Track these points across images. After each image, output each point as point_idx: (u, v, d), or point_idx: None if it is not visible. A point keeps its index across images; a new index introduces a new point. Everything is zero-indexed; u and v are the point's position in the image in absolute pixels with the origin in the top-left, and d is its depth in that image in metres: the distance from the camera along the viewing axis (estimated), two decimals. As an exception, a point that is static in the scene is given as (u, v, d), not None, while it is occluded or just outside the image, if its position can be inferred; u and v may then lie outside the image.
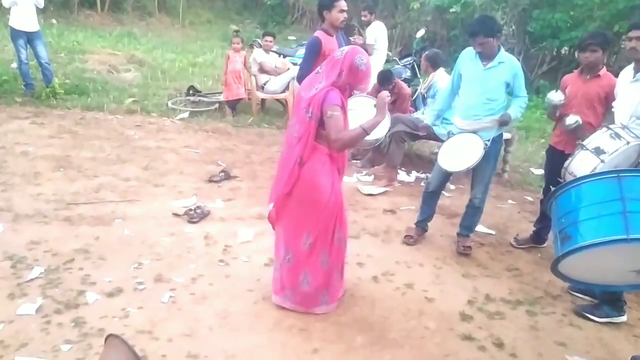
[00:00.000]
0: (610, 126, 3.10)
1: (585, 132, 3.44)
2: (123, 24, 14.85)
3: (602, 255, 2.51)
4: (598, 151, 2.99)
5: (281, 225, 3.05)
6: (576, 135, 3.47)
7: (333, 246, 3.00)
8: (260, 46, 8.24)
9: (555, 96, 3.71)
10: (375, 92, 5.86)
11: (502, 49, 3.70)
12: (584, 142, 3.10)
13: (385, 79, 5.78)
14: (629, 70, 3.27)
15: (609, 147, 2.98)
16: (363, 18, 7.37)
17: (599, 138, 3.07)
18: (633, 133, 3.00)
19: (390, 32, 8.56)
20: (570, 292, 3.63)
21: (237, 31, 9.13)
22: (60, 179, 4.73)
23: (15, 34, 6.95)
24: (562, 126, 3.59)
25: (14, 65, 7.84)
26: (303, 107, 2.79)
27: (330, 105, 2.73)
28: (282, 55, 8.68)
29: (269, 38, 7.64)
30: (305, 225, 2.94)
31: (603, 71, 3.69)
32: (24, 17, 6.92)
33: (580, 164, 3.03)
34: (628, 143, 2.94)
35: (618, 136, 2.99)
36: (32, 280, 3.18)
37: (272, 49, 7.84)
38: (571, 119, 3.52)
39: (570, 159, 3.14)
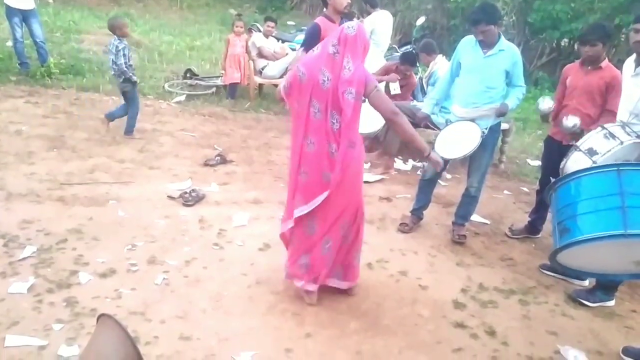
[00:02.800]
0: (606, 125, 3.07)
1: (585, 126, 3.44)
2: (120, 5, 14.70)
3: (601, 248, 2.50)
4: (591, 152, 2.99)
5: (317, 218, 2.90)
6: (575, 137, 3.41)
7: (356, 219, 2.99)
8: (260, 30, 8.17)
9: (543, 104, 3.76)
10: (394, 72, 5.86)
11: (503, 37, 3.67)
12: (578, 143, 3.09)
13: (412, 59, 5.73)
14: (630, 63, 3.16)
15: (602, 147, 2.97)
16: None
17: (592, 138, 3.05)
18: (633, 131, 2.98)
19: (389, 20, 8.47)
20: (542, 270, 3.73)
21: (239, 15, 8.99)
22: (54, 159, 4.69)
23: (11, 12, 6.85)
24: (560, 127, 3.56)
25: (9, 43, 7.75)
26: (342, 90, 2.66)
27: (373, 80, 2.74)
28: (281, 41, 8.60)
29: (271, 23, 7.56)
30: (343, 208, 2.87)
31: (605, 63, 3.66)
32: (20, -5, 6.82)
33: (574, 165, 3.02)
34: (622, 143, 2.92)
35: (612, 136, 2.97)
36: (24, 259, 3.17)
37: (272, 35, 7.77)
38: (570, 121, 3.44)
39: (565, 159, 3.15)
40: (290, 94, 2.85)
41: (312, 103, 2.74)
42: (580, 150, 3.05)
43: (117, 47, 5.20)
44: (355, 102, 2.70)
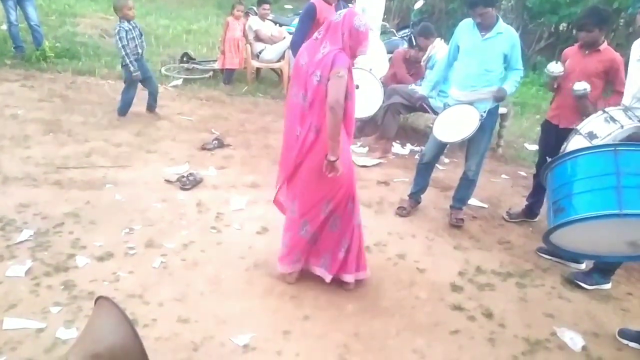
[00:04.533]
0: (607, 109, 3.09)
1: (587, 107, 3.45)
2: (116, -12, 14.49)
3: (595, 228, 2.50)
4: (591, 135, 3.01)
5: (296, 199, 2.93)
6: (581, 103, 3.48)
7: (346, 211, 2.93)
8: (256, 14, 8.08)
9: (554, 67, 3.69)
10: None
11: (501, 20, 3.64)
12: (579, 127, 3.11)
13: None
14: (636, 47, 3.11)
15: (602, 131, 2.99)
16: None
17: (593, 122, 3.08)
18: (635, 115, 2.97)
19: (388, 4, 8.42)
20: (539, 253, 3.74)
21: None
22: (50, 143, 4.67)
23: (5, -5, 6.75)
24: (571, 92, 3.55)
25: (4, 27, 7.64)
26: (310, 72, 2.68)
27: (339, 66, 2.62)
28: (278, 24, 8.51)
29: (266, 6, 7.48)
30: (324, 193, 2.85)
31: (604, 46, 3.64)
32: (14, -23, 6.72)
33: (574, 148, 3.01)
34: (622, 127, 2.93)
35: (613, 120, 2.99)
36: (21, 242, 3.16)
37: (268, 17, 7.69)
38: (579, 85, 3.48)
39: (565, 143, 3.16)
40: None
41: (293, 85, 2.84)
42: (580, 133, 3.06)
43: (116, 29, 5.12)
44: (319, 85, 2.66)
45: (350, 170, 2.92)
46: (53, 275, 2.91)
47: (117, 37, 5.10)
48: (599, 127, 3.02)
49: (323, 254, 3.02)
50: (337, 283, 3.08)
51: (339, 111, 2.63)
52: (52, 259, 3.04)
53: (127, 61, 5.20)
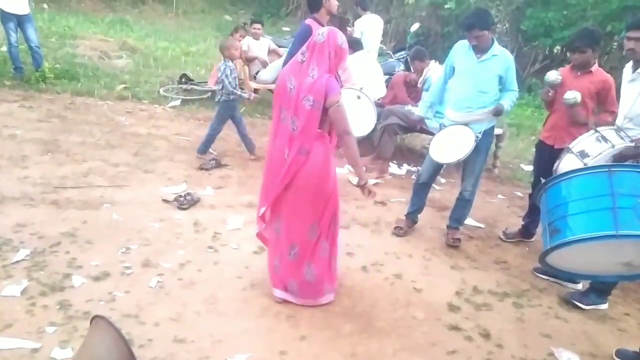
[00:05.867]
0: (599, 129, 3.15)
1: (580, 113, 3.53)
2: (115, 11, 14.68)
3: (590, 249, 2.52)
4: (583, 154, 3.06)
5: (282, 221, 2.95)
6: (572, 112, 3.54)
7: (330, 233, 2.99)
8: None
9: (553, 75, 3.75)
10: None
11: (496, 42, 3.70)
12: (570, 145, 3.17)
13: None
14: (627, 69, 3.21)
15: (593, 150, 3.04)
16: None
17: (585, 141, 3.13)
18: (627, 135, 3.02)
19: (384, 27, 8.54)
20: (535, 273, 3.75)
21: (245, 24, 8.90)
22: (48, 163, 4.68)
23: (6, 17, 6.83)
24: (562, 100, 3.60)
25: (4, 48, 7.72)
26: (301, 97, 2.70)
27: (334, 94, 2.69)
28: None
29: (257, 25, 7.48)
30: (311, 216, 2.89)
31: (595, 67, 3.71)
32: (15, 0, 6.80)
33: (566, 167, 3.07)
34: (613, 146, 2.97)
35: (604, 139, 3.04)
36: (17, 262, 3.15)
37: (261, 37, 7.69)
38: (570, 94, 3.53)
39: (558, 161, 3.20)
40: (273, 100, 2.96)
41: (282, 109, 2.83)
42: (572, 152, 3.10)
43: (222, 68, 5.15)
44: (312, 110, 2.71)
45: (335, 186, 2.95)
46: (49, 295, 2.89)
47: (224, 75, 5.11)
48: (591, 146, 3.07)
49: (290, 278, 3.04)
50: (333, 301, 3.09)
51: (351, 139, 2.80)
52: (48, 279, 3.03)
53: (236, 95, 5.20)
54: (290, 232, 2.94)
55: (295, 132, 2.77)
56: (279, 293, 3.05)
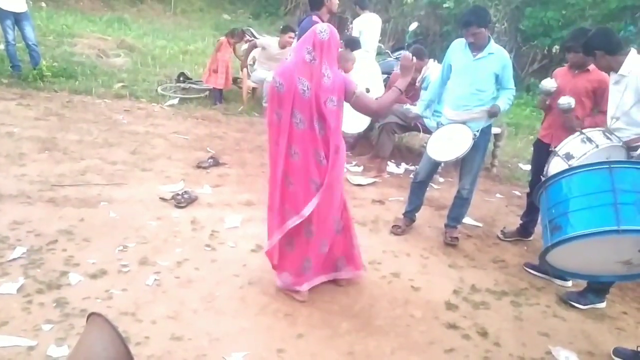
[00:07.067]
0: (584, 130, 3.18)
1: (575, 117, 3.53)
2: (113, 10, 14.66)
3: (591, 246, 2.52)
4: (568, 156, 3.10)
5: (313, 224, 2.92)
6: (566, 117, 3.55)
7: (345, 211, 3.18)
8: (254, 35, 8.17)
9: (548, 83, 3.74)
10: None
11: (492, 40, 3.70)
12: (557, 149, 3.20)
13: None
14: (612, 73, 3.21)
15: (577, 151, 3.07)
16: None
17: (570, 143, 3.18)
18: (616, 136, 3.03)
19: (383, 26, 8.53)
20: (525, 268, 3.78)
21: (247, 29, 8.79)
22: (45, 161, 4.66)
23: (3, 15, 6.79)
24: (556, 106, 3.60)
25: (1, 46, 7.70)
26: (324, 99, 2.68)
27: (352, 86, 2.79)
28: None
29: (292, 34, 6.77)
30: (337, 205, 3.01)
31: (592, 66, 3.70)
32: (13, -2, 6.79)
33: (554, 170, 3.08)
34: (597, 146, 2.99)
35: (589, 140, 3.07)
36: (14, 260, 3.13)
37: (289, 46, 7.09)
38: (564, 100, 3.53)
39: (546, 165, 3.22)
40: (269, 105, 2.88)
41: (294, 113, 2.74)
42: (558, 155, 3.14)
43: None
44: (337, 109, 2.76)
45: (343, 177, 3.05)
46: (45, 292, 2.88)
47: None
48: (575, 148, 3.12)
49: (335, 259, 3.18)
50: (331, 300, 3.08)
51: (380, 109, 2.97)
52: (44, 277, 3.01)
53: None
54: (322, 229, 2.97)
55: (322, 135, 2.76)
56: (307, 286, 3.08)
